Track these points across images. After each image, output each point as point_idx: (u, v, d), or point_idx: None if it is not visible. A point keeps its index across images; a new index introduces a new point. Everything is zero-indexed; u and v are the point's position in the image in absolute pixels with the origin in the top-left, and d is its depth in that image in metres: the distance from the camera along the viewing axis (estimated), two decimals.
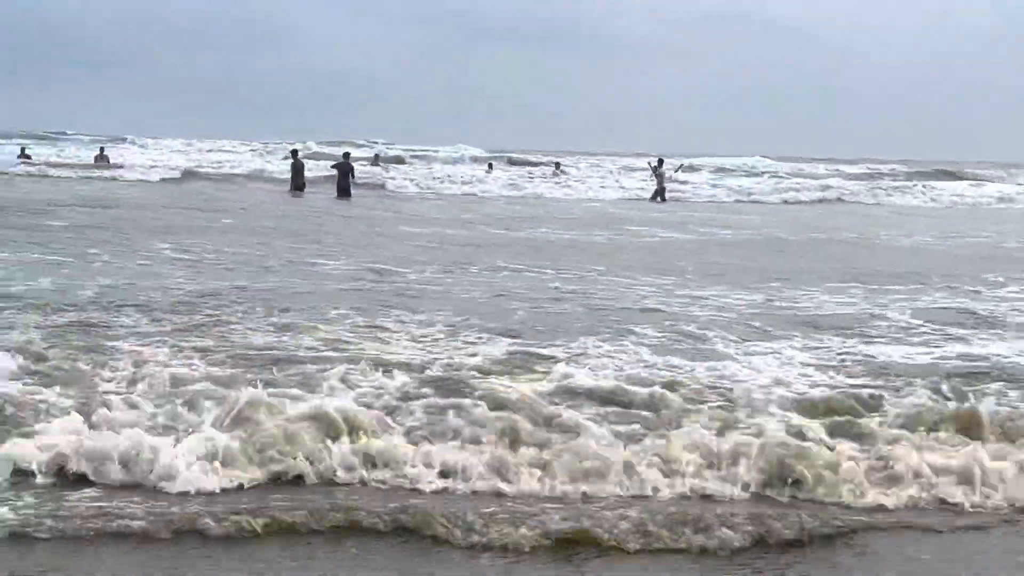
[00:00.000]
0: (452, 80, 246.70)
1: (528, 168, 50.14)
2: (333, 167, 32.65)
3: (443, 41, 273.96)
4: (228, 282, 11.32)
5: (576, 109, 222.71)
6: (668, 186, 36.56)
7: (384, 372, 7.11)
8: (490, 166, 47.86)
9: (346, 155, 33.35)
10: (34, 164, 39.50)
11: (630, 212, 29.17)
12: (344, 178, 30.71)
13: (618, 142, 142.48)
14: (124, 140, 60.83)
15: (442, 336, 8.59)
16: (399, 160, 50.83)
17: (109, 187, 31.27)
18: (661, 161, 37.72)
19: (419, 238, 17.95)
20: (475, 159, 54.02)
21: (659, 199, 35.32)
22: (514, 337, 8.63)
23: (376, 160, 46.70)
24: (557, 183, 43.41)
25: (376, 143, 60.73)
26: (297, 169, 32.40)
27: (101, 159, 41.30)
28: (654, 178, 36.73)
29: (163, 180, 35.81)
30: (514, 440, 5.91)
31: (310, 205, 26.98)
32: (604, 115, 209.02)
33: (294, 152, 34.79)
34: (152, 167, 40.54)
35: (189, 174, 38.61)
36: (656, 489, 5.51)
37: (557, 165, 48.34)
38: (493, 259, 14.54)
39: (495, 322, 9.26)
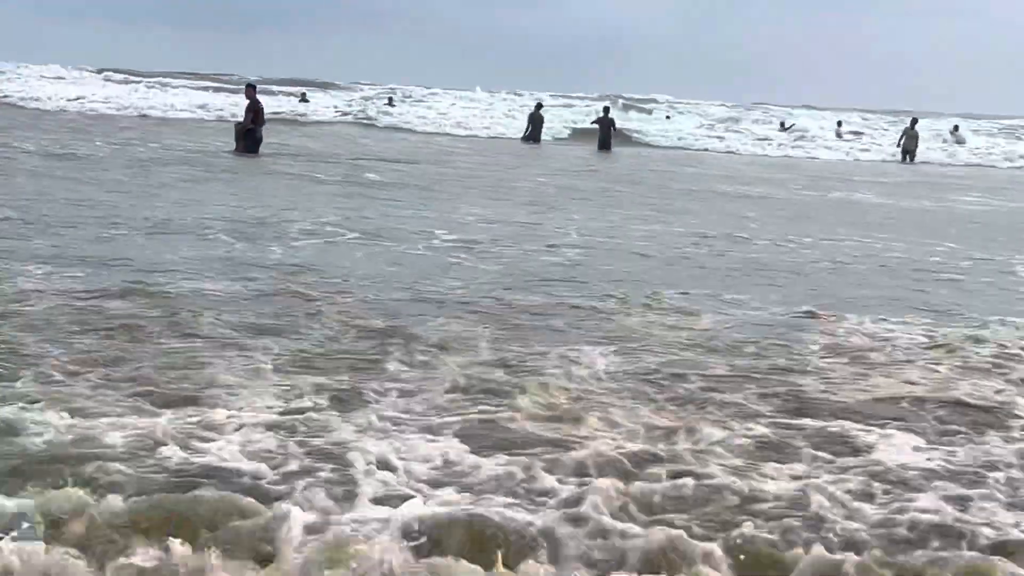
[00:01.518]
0: (725, 36, 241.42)
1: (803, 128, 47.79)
2: (594, 123, 34.30)
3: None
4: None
5: (850, 65, 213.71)
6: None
7: None
8: (782, 124, 45.65)
9: (606, 109, 34.73)
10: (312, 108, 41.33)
11: (924, 174, 27.63)
12: (606, 133, 32.00)
13: (890, 99, 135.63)
14: (396, 92, 62.17)
15: None
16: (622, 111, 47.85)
17: (373, 135, 31.93)
18: (915, 121, 36.36)
19: (740, 200, 16.78)
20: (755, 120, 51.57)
21: (908, 159, 34.91)
22: None
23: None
24: (839, 142, 41.82)
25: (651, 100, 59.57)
26: (535, 122, 33.50)
27: (387, 103, 43.33)
28: (904, 138, 36.09)
29: (441, 133, 36.48)
30: None
31: (589, 159, 26.60)
32: (876, 70, 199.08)
33: (538, 105, 35.78)
34: (427, 118, 41.31)
35: (462, 127, 39.04)
36: None
37: (839, 124, 46.10)
38: (832, 228, 13.31)
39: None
